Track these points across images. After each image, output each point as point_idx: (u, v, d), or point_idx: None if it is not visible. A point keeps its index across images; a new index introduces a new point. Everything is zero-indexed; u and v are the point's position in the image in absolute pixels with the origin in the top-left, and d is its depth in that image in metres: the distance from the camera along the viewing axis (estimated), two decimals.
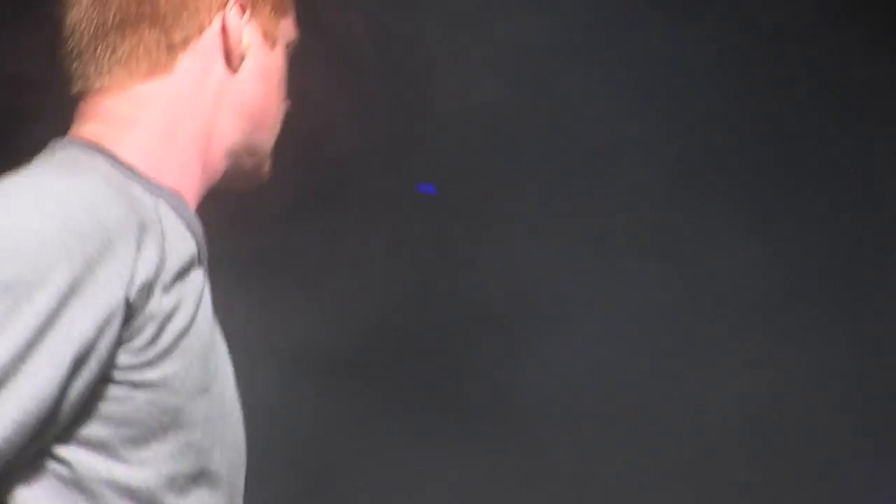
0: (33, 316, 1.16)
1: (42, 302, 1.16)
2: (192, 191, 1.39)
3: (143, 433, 1.24)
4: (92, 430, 1.22)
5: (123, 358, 1.22)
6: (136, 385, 1.23)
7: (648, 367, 4.12)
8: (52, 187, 1.25)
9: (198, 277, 1.32)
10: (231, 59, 1.40)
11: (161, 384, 1.24)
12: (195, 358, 1.28)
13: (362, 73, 4.28)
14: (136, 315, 1.21)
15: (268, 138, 1.48)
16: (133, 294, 1.20)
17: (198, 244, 1.35)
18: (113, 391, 1.22)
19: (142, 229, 1.22)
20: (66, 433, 1.21)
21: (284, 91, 1.51)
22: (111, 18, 1.38)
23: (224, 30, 1.41)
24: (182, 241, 1.30)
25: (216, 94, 1.40)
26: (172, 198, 1.33)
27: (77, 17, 1.41)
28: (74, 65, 1.41)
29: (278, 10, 1.46)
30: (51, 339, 1.16)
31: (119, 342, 1.21)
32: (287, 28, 1.48)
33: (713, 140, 4.32)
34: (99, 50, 1.39)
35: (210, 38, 1.40)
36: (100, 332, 1.19)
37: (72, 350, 1.17)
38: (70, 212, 1.20)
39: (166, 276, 1.23)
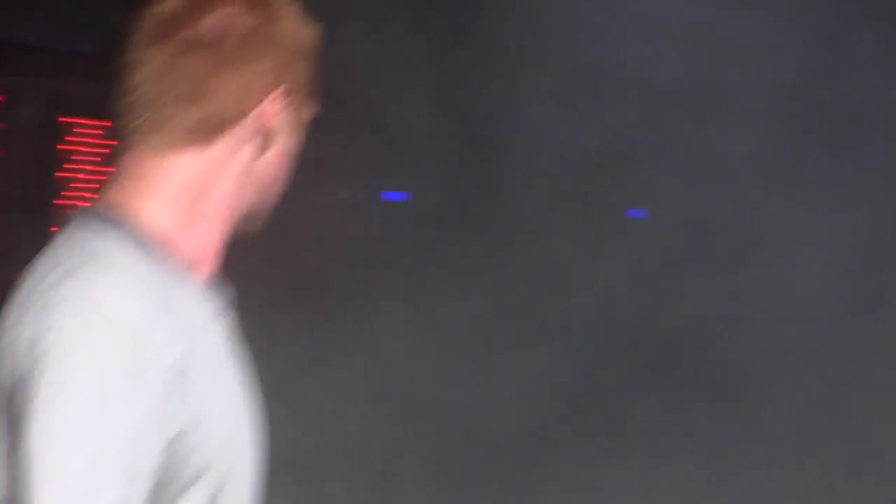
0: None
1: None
2: (212, 246, 1.62)
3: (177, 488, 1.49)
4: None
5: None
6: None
7: None
8: (94, 298, 1.49)
9: (215, 328, 1.59)
10: (264, 144, 1.62)
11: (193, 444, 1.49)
12: (221, 413, 1.54)
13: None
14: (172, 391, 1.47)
15: (275, 198, 1.69)
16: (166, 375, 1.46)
17: (215, 299, 1.61)
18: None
19: (165, 319, 1.48)
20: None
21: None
22: (166, 92, 1.58)
23: (262, 117, 1.61)
24: (196, 306, 1.56)
25: (242, 169, 1.61)
26: (188, 265, 1.57)
27: (137, 81, 1.60)
28: (124, 123, 1.60)
29: (309, 97, 1.66)
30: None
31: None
32: (312, 108, 1.67)
33: None
34: (149, 117, 1.59)
35: (248, 122, 1.60)
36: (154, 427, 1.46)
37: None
38: (111, 317, 1.47)
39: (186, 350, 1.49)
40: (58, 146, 4.72)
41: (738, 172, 5.47)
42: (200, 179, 1.62)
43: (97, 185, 4.74)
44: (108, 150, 4.81)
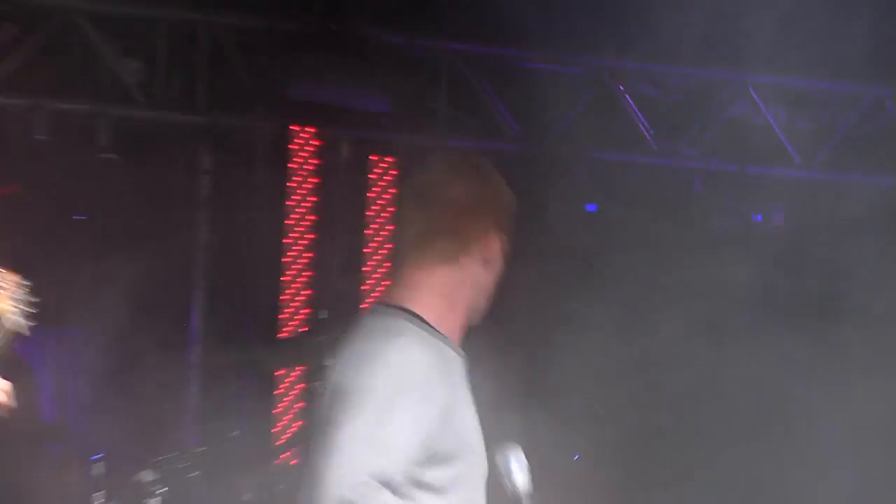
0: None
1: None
2: (458, 332, 2.77)
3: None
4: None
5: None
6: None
7: None
8: (401, 352, 2.63)
9: (463, 382, 2.72)
10: (488, 263, 2.77)
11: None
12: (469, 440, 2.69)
13: None
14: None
15: (489, 302, 2.86)
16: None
17: (462, 361, 2.74)
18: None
19: (441, 371, 2.64)
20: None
21: None
22: (427, 227, 2.73)
23: (488, 249, 2.76)
24: (455, 363, 2.72)
25: (473, 278, 2.76)
26: (447, 339, 2.72)
27: (403, 215, 2.80)
28: (397, 245, 2.81)
29: (509, 234, 2.81)
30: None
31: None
32: (511, 245, 2.83)
33: None
34: (415, 242, 2.74)
35: (479, 248, 2.75)
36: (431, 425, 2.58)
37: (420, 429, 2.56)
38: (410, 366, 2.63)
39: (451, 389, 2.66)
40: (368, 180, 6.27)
41: None
42: (451, 285, 2.69)
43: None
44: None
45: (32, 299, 3.51)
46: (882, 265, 6.16)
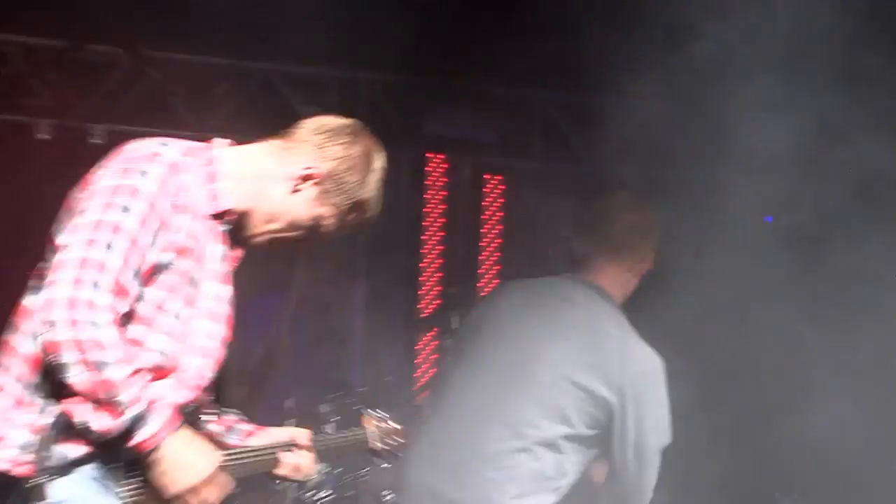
0: None
1: None
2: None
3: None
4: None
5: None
6: None
7: None
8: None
9: None
10: (640, 274, 4.02)
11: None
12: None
13: None
14: None
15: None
16: None
17: None
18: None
19: None
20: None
21: None
22: (611, 242, 3.85)
23: (649, 262, 4.04)
24: None
25: (632, 284, 3.93)
26: None
27: (580, 231, 3.98)
28: (583, 248, 3.91)
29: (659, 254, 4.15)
30: None
31: None
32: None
33: None
34: (606, 254, 3.83)
35: (646, 263, 3.96)
36: None
37: None
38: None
39: None
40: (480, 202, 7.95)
41: None
42: (619, 285, 3.87)
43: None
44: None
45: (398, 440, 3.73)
46: None
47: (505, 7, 6.91)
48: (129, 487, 2.87)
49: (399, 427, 3.78)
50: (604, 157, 6.28)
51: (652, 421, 3.67)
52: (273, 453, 3.30)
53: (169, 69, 7.00)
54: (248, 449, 3.25)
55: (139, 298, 2.87)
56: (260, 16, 6.52)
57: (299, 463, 3.34)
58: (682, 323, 5.21)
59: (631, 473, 3.63)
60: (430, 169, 8.01)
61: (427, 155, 7.97)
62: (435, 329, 7.08)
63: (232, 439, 3.30)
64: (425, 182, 7.96)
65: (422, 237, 7.94)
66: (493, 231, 8.08)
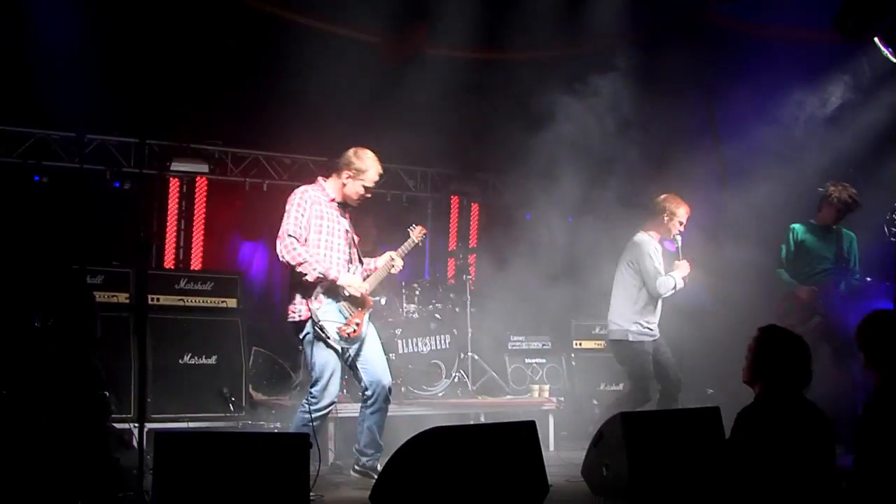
0: None
1: None
2: None
3: None
4: None
5: None
6: None
7: None
8: None
9: None
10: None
11: None
12: None
13: None
14: None
15: None
16: None
17: None
18: None
19: None
20: None
21: None
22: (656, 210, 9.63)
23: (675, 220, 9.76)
24: None
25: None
26: None
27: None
28: None
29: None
30: None
31: None
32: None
33: None
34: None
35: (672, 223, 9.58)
36: None
37: None
38: None
39: None
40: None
41: None
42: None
43: None
44: None
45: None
46: None
47: None
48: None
49: (416, 226, 8.59)
50: None
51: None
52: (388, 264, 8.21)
53: None
54: (377, 269, 8.26)
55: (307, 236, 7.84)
56: None
57: (399, 264, 8.19)
58: None
59: None
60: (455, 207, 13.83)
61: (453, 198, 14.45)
62: None
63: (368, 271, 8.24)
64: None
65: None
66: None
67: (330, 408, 7.68)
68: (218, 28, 10.79)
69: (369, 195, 7.86)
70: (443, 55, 11.56)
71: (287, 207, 7.61)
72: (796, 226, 10.15)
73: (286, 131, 11.72)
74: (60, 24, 9.93)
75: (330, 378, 7.51)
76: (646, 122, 10.66)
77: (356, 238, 7.91)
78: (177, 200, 12.21)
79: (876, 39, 8.51)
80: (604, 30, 11.12)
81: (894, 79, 9.70)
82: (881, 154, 10.49)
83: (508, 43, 11.71)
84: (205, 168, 12.03)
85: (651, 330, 9.50)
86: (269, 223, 9.02)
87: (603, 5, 11.10)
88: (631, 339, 9.43)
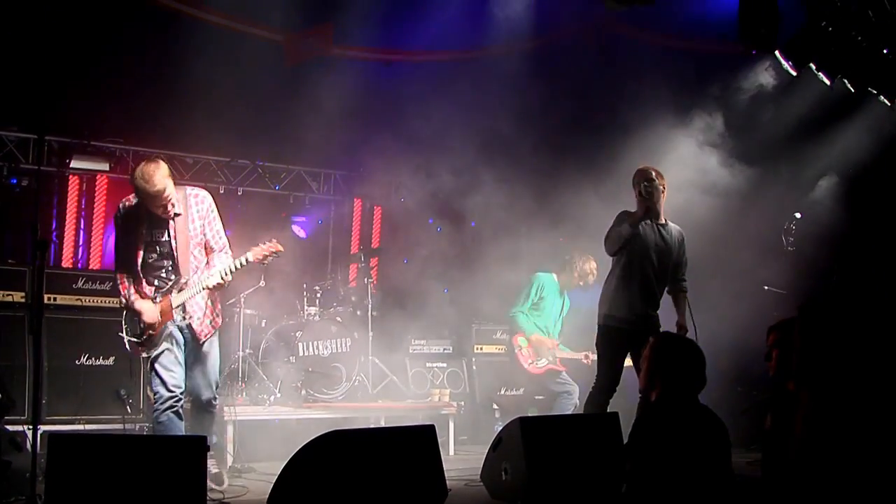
0: None
1: None
2: None
3: None
4: None
5: None
6: None
7: None
8: None
9: None
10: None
11: None
12: None
13: None
14: None
15: None
16: None
17: None
18: None
19: None
20: None
21: None
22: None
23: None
24: None
25: None
26: None
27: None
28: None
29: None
30: None
31: None
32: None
33: None
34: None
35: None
36: None
37: None
38: None
39: None
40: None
41: None
42: None
43: None
44: None
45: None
46: None
47: None
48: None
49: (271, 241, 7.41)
50: None
51: None
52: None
53: None
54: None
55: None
56: None
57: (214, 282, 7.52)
58: None
59: None
60: None
61: None
62: None
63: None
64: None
65: None
66: None
67: (169, 401, 7.35)
68: (121, 24, 10.72)
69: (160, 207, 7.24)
70: (348, 56, 11.65)
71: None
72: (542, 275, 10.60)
73: (189, 130, 11.64)
74: None
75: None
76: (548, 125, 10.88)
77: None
78: (76, 198, 12.07)
79: (777, 53, 8.62)
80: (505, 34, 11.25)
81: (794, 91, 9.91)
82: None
83: (409, 44, 11.87)
84: (105, 166, 11.93)
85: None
86: None
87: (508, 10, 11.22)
88: None
